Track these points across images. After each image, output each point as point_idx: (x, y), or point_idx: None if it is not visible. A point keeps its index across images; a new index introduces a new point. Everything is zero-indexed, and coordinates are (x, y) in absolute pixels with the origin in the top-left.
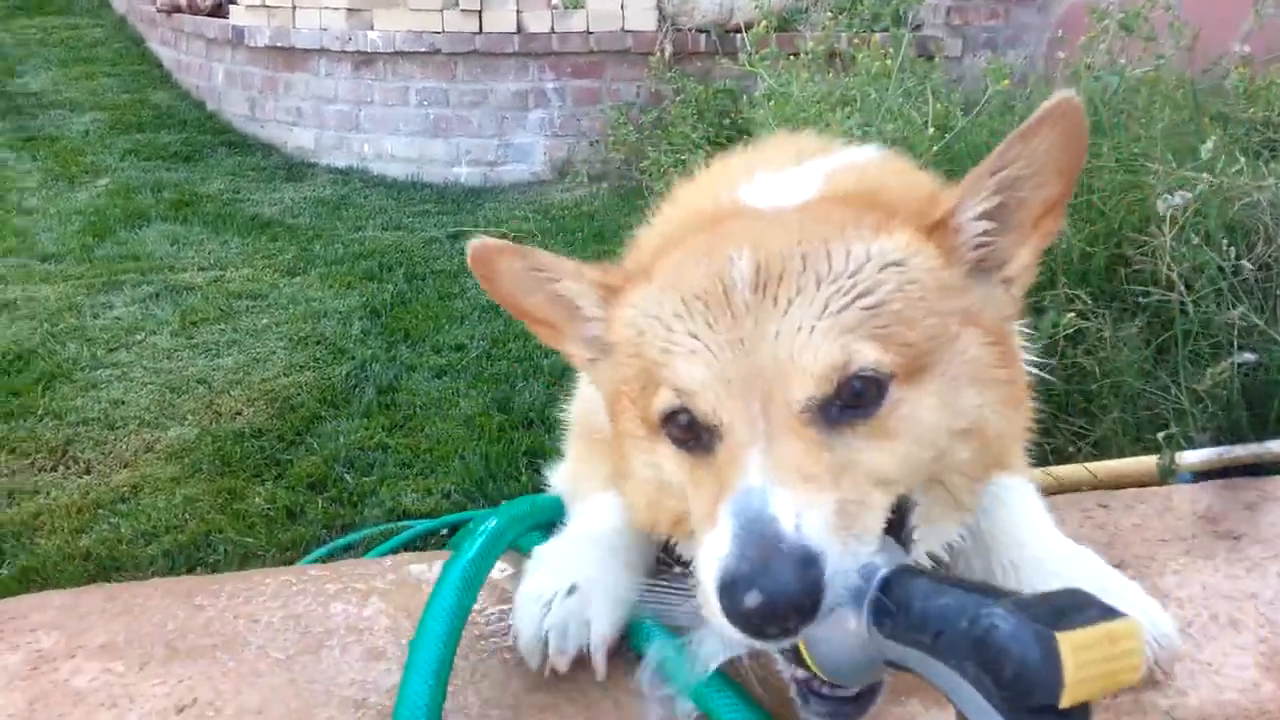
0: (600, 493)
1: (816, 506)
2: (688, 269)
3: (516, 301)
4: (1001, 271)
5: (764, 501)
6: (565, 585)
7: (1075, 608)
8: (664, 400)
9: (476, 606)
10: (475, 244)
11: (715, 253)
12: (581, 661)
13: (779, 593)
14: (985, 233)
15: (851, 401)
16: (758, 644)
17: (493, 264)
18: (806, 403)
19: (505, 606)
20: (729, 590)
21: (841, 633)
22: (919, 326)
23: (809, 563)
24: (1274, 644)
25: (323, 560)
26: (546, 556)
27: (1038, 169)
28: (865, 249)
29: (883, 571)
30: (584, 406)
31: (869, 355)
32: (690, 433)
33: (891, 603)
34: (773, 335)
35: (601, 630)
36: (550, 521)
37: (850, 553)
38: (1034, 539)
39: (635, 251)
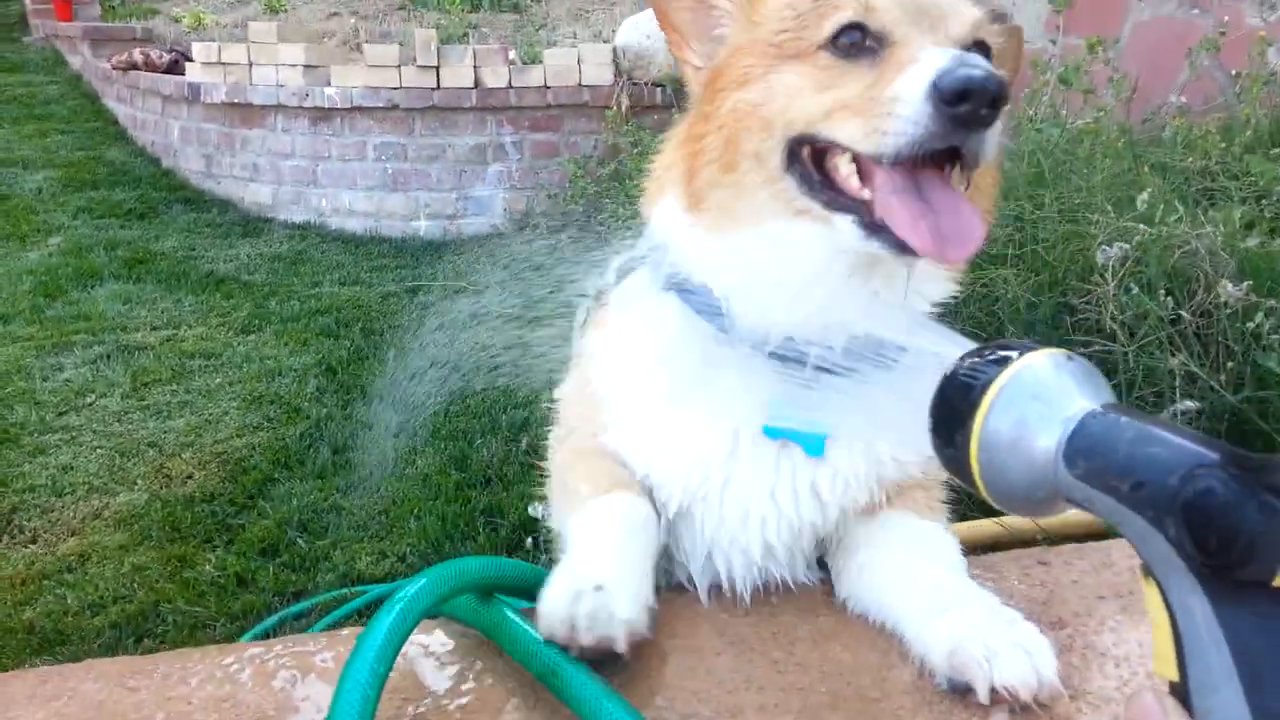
0: (596, 497)
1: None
2: None
3: (665, 5)
4: None
5: (967, 53)
6: (593, 584)
7: None
8: (842, 16)
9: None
10: None
11: None
12: None
13: (990, 78)
14: None
15: None
16: (952, 132)
17: None
18: (957, 40)
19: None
20: (949, 72)
21: (1025, 461)
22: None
23: (1005, 82)
24: None
25: (271, 630)
26: (563, 569)
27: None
28: None
29: (1085, 409)
30: (574, 411)
31: (984, 33)
32: (855, 46)
33: (1091, 443)
34: None
35: (625, 617)
36: (479, 585)
37: None
38: (938, 563)
39: None
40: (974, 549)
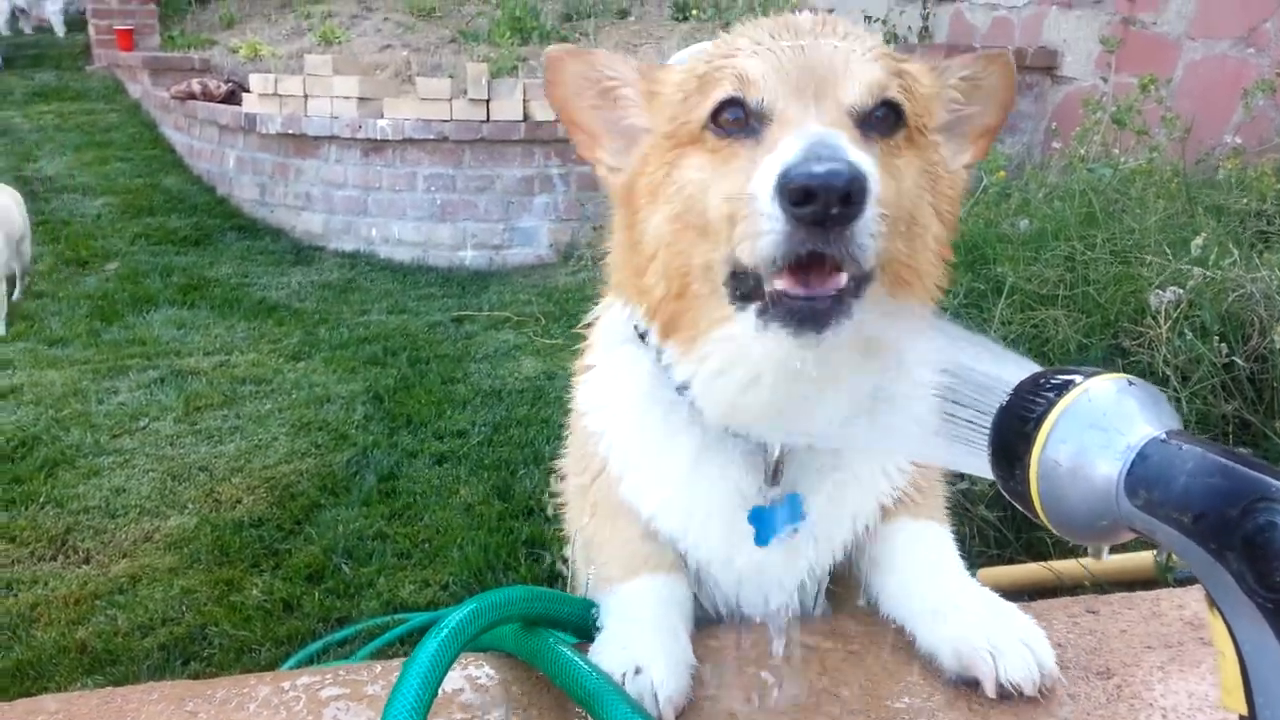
0: (627, 580)
1: (867, 156)
2: (739, 33)
3: (568, 105)
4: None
5: (828, 132)
6: (632, 668)
7: None
8: (720, 92)
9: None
10: (552, 49)
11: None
12: None
13: (837, 171)
14: (954, 104)
15: (876, 125)
16: (806, 236)
17: (561, 66)
18: (852, 106)
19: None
20: (792, 167)
21: (1085, 490)
22: (919, 104)
23: (862, 175)
24: None
25: (315, 656)
26: (603, 649)
27: (987, 92)
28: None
29: (1147, 436)
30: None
31: (897, 90)
32: (737, 123)
33: (1152, 473)
34: (830, 48)
35: (668, 693)
36: (524, 615)
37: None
38: (939, 569)
39: None
40: (1021, 594)
